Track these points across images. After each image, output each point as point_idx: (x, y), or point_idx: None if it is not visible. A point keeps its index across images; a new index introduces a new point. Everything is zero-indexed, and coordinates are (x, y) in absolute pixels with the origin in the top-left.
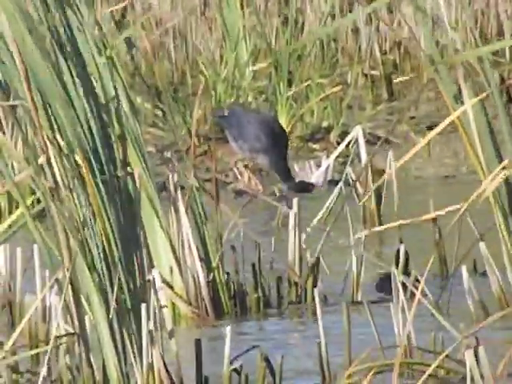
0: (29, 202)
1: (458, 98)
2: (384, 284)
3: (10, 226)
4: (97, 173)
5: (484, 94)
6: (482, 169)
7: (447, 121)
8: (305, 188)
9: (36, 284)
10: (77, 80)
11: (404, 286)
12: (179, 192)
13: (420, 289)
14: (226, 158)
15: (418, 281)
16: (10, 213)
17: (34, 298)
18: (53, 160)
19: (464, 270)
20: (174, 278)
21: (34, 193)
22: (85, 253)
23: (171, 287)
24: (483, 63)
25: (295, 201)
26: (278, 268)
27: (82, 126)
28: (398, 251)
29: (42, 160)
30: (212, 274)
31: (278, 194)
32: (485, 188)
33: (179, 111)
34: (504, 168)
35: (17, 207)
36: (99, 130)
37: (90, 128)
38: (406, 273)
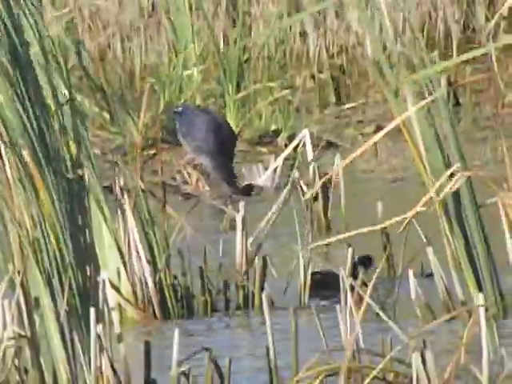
0: None
1: (403, 103)
2: (326, 281)
3: None
4: (47, 174)
5: (426, 100)
6: (427, 173)
7: (391, 125)
8: (251, 191)
9: None
10: (22, 81)
11: (351, 288)
12: (126, 195)
13: (368, 292)
14: (174, 162)
15: (364, 284)
16: None
17: None
18: (5, 158)
19: (411, 273)
20: (121, 281)
21: None
22: (36, 255)
23: (118, 290)
24: (426, 67)
25: (242, 204)
26: (225, 271)
27: (30, 127)
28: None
29: None
30: (159, 277)
31: (225, 198)
32: (431, 197)
33: (127, 114)
34: (451, 175)
35: None
36: (47, 132)
37: (38, 129)
38: (354, 275)
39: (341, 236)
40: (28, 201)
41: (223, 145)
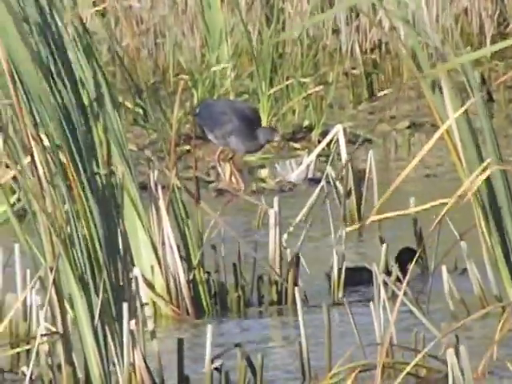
0: (11, 200)
1: (441, 101)
2: (360, 277)
3: None
4: (81, 171)
5: (467, 105)
6: (462, 168)
7: (436, 135)
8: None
9: (17, 284)
10: (61, 79)
11: (385, 284)
12: (160, 191)
13: (402, 290)
14: (208, 157)
15: (398, 280)
16: None
17: (14, 297)
18: (37, 158)
19: (444, 269)
20: (155, 277)
21: (15, 191)
22: (68, 252)
23: (152, 286)
24: (464, 66)
25: (276, 199)
26: (259, 267)
27: (66, 125)
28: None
29: (26, 159)
30: (193, 273)
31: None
32: (466, 188)
33: (161, 110)
34: (485, 169)
35: None
36: (83, 129)
37: (74, 127)
38: (387, 272)
39: (373, 218)
40: (60, 197)
41: (248, 124)
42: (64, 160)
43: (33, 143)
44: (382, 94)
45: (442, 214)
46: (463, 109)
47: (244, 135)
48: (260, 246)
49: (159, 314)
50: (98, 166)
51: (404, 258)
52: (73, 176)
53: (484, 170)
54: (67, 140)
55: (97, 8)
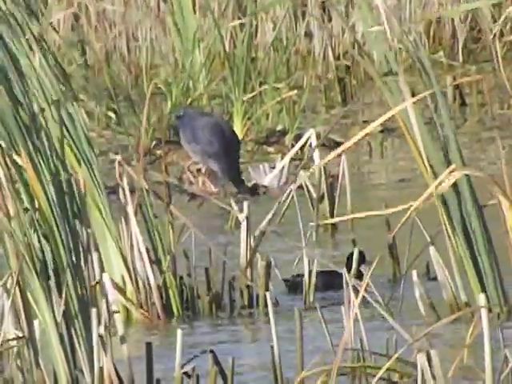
0: None
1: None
2: (331, 281)
3: None
4: (42, 175)
5: (422, 95)
6: (427, 172)
7: (384, 117)
8: (257, 190)
9: None
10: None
11: (355, 288)
12: (129, 195)
13: (363, 287)
14: (181, 162)
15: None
16: None
17: None
18: None
19: (415, 274)
20: (125, 282)
21: None
22: (32, 257)
23: (122, 291)
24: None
25: (246, 204)
26: (230, 271)
27: (24, 128)
28: (351, 254)
29: None
30: (163, 278)
31: (231, 197)
32: (431, 192)
33: (133, 114)
34: (451, 172)
35: None
36: (41, 133)
37: (32, 130)
38: (359, 277)
39: (344, 218)
40: (22, 201)
41: (228, 147)
42: (23, 163)
43: None
44: (354, 98)
45: (408, 214)
46: (418, 97)
47: (223, 162)
48: (231, 250)
49: (130, 319)
50: (60, 169)
51: (351, 261)
52: (33, 180)
53: (450, 174)
54: (25, 143)
55: (69, 10)
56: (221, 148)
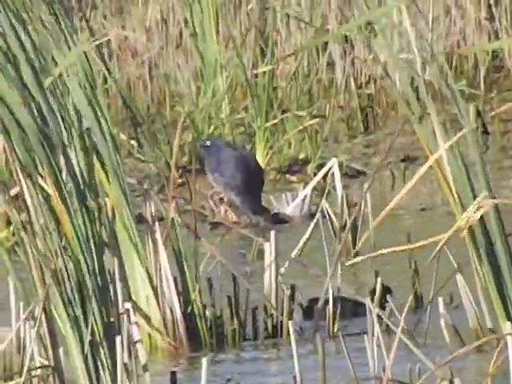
0: (3, 234)
1: (433, 136)
2: (355, 310)
3: None
4: (69, 202)
5: (458, 136)
6: (455, 202)
7: (424, 168)
8: (280, 220)
9: (11, 317)
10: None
11: (379, 318)
12: (157, 224)
13: (400, 328)
14: (204, 190)
15: (392, 313)
16: None
17: (8, 329)
18: (25, 190)
19: (441, 301)
20: (151, 310)
21: (9, 224)
22: (59, 284)
23: (148, 319)
24: (456, 97)
25: (272, 233)
26: (254, 300)
27: (52, 156)
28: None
29: (14, 191)
30: (188, 307)
31: (254, 227)
32: (460, 225)
33: (157, 142)
34: (479, 205)
35: None
36: (74, 160)
37: (60, 158)
38: (382, 305)
39: (370, 255)
40: (49, 229)
41: (251, 181)
42: (50, 190)
43: (20, 176)
44: (377, 128)
45: (437, 250)
46: (455, 138)
47: (245, 195)
48: (255, 278)
49: (155, 347)
50: (89, 197)
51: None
52: (60, 208)
53: (478, 207)
54: (53, 169)
55: (97, 42)
56: (244, 182)
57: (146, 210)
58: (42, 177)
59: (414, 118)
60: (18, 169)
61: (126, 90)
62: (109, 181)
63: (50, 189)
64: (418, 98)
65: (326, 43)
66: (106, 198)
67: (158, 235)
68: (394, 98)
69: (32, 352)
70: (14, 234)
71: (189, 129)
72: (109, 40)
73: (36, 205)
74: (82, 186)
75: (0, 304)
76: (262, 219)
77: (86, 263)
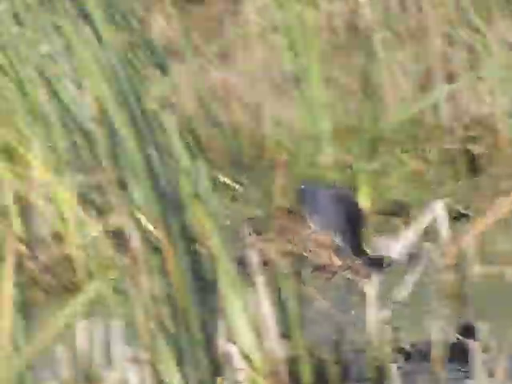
0: (110, 275)
1: None
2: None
3: (87, 299)
4: (177, 249)
5: None
6: None
7: None
8: (382, 263)
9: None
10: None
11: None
12: (258, 266)
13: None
14: (304, 233)
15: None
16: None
17: (113, 373)
18: (131, 234)
19: None
20: (253, 354)
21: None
22: (165, 331)
23: (250, 362)
24: None
25: (375, 276)
26: (357, 344)
27: (160, 201)
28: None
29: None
30: (292, 351)
31: (356, 270)
32: None
33: (259, 186)
34: None
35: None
36: (178, 204)
37: (167, 201)
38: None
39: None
40: (156, 275)
41: (351, 220)
42: (159, 236)
43: (128, 220)
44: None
45: None
46: None
47: (346, 234)
48: (358, 323)
49: None
50: (192, 242)
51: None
52: (168, 253)
53: None
54: (162, 213)
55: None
56: (344, 220)
57: (247, 254)
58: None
59: None
60: (125, 213)
61: (230, 135)
62: (208, 224)
63: (158, 229)
64: None
65: (431, 85)
66: (213, 241)
67: (259, 278)
68: (500, 139)
69: None
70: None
71: (291, 172)
72: (213, 83)
73: (142, 249)
74: (187, 233)
75: (104, 349)
76: (362, 260)
77: (193, 308)
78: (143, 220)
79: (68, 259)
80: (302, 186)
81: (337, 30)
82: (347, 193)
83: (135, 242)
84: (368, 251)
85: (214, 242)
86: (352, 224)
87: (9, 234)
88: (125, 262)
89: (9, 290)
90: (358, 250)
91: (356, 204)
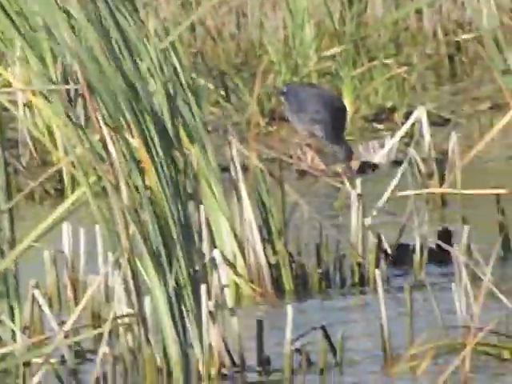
0: (91, 179)
1: None
2: (442, 258)
3: (72, 204)
4: (155, 153)
5: None
6: None
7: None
8: (366, 168)
9: (99, 265)
10: (129, 62)
11: (466, 266)
12: (241, 173)
13: (488, 275)
14: (290, 138)
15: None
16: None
17: (96, 278)
18: (108, 141)
19: None
20: (236, 259)
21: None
22: (143, 234)
23: (233, 267)
24: None
25: (358, 181)
26: (341, 248)
27: (137, 107)
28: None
29: (96, 138)
30: (275, 256)
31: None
32: None
33: (243, 91)
34: None
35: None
36: (155, 111)
37: (145, 109)
38: (468, 253)
39: (454, 190)
40: (135, 180)
41: (335, 115)
42: (135, 143)
43: (103, 127)
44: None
45: None
46: None
47: (329, 127)
48: (342, 227)
49: (240, 295)
50: (171, 147)
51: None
52: (145, 161)
53: None
54: (139, 123)
55: None
56: (328, 116)
57: (229, 159)
58: (128, 126)
59: (498, 71)
60: (100, 117)
61: (212, 39)
62: (190, 131)
63: (136, 139)
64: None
65: None
66: (190, 148)
67: (241, 184)
68: (482, 45)
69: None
70: (99, 179)
71: (276, 78)
72: None
73: (120, 154)
74: (166, 135)
75: (88, 253)
76: (343, 151)
77: (171, 212)
78: (119, 127)
79: (51, 166)
80: (280, 91)
81: None
82: (327, 90)
83: (113, 148)
84: (349, 146)
85: (195, 149)
86: (335, 117)
87: None
88: (105, 171)
89: None
90: (339, 140)
91: (338, 100)
